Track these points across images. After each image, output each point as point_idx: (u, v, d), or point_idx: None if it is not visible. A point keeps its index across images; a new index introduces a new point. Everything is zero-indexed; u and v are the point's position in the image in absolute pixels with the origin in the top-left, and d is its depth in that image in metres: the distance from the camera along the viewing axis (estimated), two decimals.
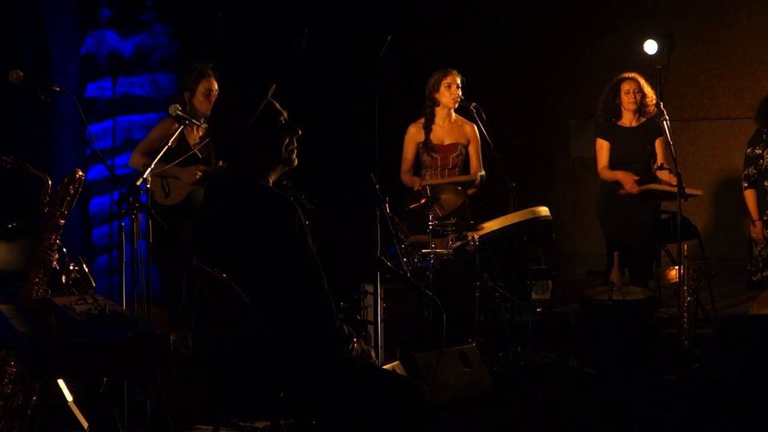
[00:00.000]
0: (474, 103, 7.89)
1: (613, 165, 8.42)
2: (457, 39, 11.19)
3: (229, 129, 4.32)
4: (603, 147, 8.50)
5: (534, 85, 11.80)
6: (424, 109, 8.21)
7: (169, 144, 6.38)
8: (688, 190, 7.72)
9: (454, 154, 8.17)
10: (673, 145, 7.71)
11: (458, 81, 8.08)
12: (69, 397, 5.19)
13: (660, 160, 8.37)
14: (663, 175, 8.30)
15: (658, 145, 8.40)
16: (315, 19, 9.37)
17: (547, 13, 11.68)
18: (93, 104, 8.43)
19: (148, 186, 5.88)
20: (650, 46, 10.96)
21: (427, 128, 8.17)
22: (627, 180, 8.24)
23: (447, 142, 8.18)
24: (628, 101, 8.37)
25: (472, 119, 7.96)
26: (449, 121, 8.22)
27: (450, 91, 8.06)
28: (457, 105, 8.12)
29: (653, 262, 9.06)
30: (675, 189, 7.86)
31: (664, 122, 7.71)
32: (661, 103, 8.17)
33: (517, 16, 11.60)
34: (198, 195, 7.48)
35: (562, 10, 11.70)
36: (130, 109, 8.61)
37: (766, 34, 11.00)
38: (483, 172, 8.18)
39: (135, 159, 7.39)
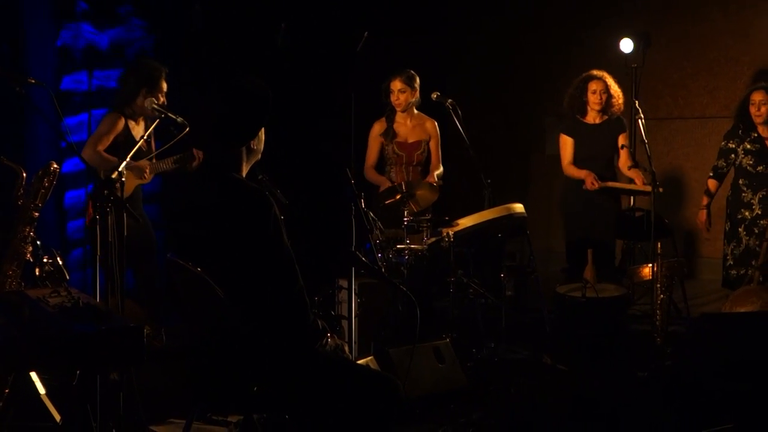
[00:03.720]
0: (450, 100, 7.91)
1: (576, 161, 8.49)
2: (435, 36, 11.20)
3: (211, 122, 4.33)
4: (567, 143, 8.57)
5: (510, 83, 11.83)
6: (385, 108, 8.32)
7: (145, 137, 6.38)
8: (644, 188, 7.85)
9: (418, 152, 8.29)
10: (648, 143, 7.74)
11: (399, 86, 8.20)
12: (42, 390, 5.18)
13: (622, 157, 8.46)
14: (632, 173, 8.38)
15: (620, 141, 8.48)
16: (293, 14, 9.37)
17: (524, 11, 11.71)
18: (69, 97, 8.40)
19: (124, 179, 5.87)
20: (626, 45, 10.99)
21: (390, 126, 8.27)
22: (588, 177, 8.30)
23: (411, 140, 8.30)
24: (594, 101, 8.44)
25: (448, 116, 7.97)
26: (411, 119, 8.32)
27: (393, 96, 8.23)
28: (402, 109, 8.26)
29: (614, 259, 9.11)
30: (633, 187, 7.97)
31: (639, 121, 7.75)
32: (637, 102, 8.22)
33: (494, 15, 11.62)
34: (138, 191, 7.51)
35: (539, 8, 11.73)
36: (105, 102, 8.56)
37: (741, 33, 11.04)
38: (441, 169, 8.27)
39: (89, 152, 7.29)
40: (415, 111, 8.33)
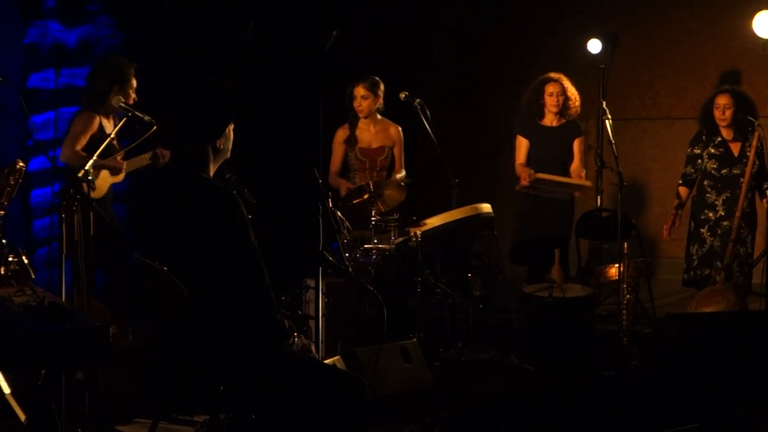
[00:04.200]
0: (418, 100, 7.93)
1: (531, 163, 8.55)
2: (403, 36, 11.21)
3: (177, 121, 4.32)
4: (522, 144, 8.66)
5: (478, 83, 11.85)
6: (349, 114, 8.35)
7: (112, 136, 6.36)
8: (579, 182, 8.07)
9: (382, 157, 8.34)
10: (615, 144, 7.77)
11: (362, 92, 8.23)
12: (6, 390, 5.14)
13: (576, 160, 8.52)
14: (573, 173, 8.45)
15: (575, 145, 8.55)
16: (261, 13, 9.35)
17: (492, 11, 11.72)
18: (35, 95, 8.35)
19: (90, 178, 5.85)
20: (594, 46, 11.03)
21: (353, 133, 8.29)
22: (523, 173, 8.38)
23: (374, 145, 8.34)
24: (550, 103, 8.52)
25: (416, 116, 7.97)
26: (374, 125, 8.35)
27: (356, 102, 8.26)
28: (364, 115, 8.29)
29: (567, 258, 9.16)
30: (567, 180, 8.06)
31: (606, 121, 7.78)
32: (604, 102, 8.24)
33: (461, 15, 11.63)
34: (110, 190, 7.53)
35: (507, 8, 11.75)
36: (72, 100, 8.52)
37: (708, 34, 11.11)
38: (404, 173, 8.32)
39: (68, 153, 7.28)
40: (379, 117, 8.35)
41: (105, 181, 7.39)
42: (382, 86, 8.25)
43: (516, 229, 8.86)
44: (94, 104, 7.31)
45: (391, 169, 8.37)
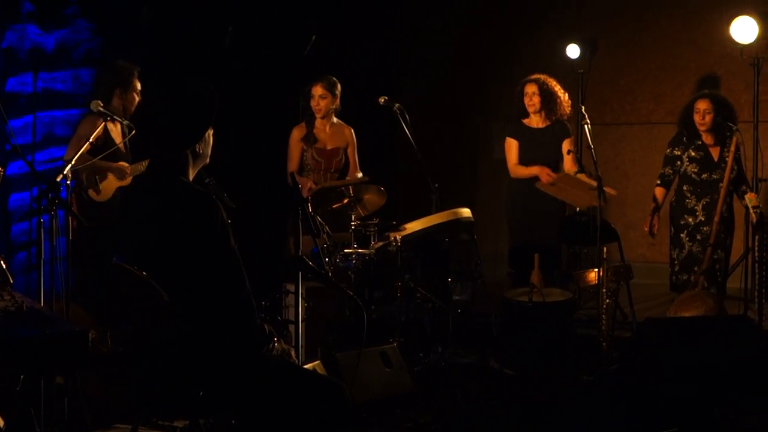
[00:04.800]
0: (397, 104, 7.94)
1: (521, 165, 8.56)
2: (382, 40, 11.21)
3: (156, 125, 4.31)
4: (512, 145, 8.68)
5: (457, 87, 11.86)
6: (305, 113, 8.38)
7: (91, 141, 6.37)
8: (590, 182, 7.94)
9: (337, 158, 8.36)
10: (594, 148, 7.79)
11: (320, 92, 8.22)
12: None
13: (567, 162, 8.52)
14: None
15: (565, 146, 8.56)
16: (240, 16, 9.35)
17: (471, 15, 11.74)
18: (13, 99, 8.32)
19: (68, 182, 5.84)
20: (573, 51, 11.07)
21: (310, 132, 8.29)
22: (542, 172, 8.37)
23: (329, 146, 8.35)
24: (528, 103, 8.60)
25: (395, 120, 7.97)
26: (330, 126, 8.35)
27: (314, 101, 8.26)
28: (321, 115, 8.28)
29: (559, 263, 9.17)
30: (587, 180, 8.06)
31: (585, 126, 7.79)
32: (583, 107, 8.26)
33: (442, 19, 11.64)
34: (117, 193, 7.60)
35: (487, 13, 11.77)
36: (51, 104, 8.50)
37: (686, 40, 11.16)
38: (360, 174, 8.32)
39: (71, 154, 7.30)
40: (335, 119, 8.35)
41: (111, 184, 7.52)
42: (339, 87, 8.25)
43: (512, 235, 8.86)
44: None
45: (345, 171, 8.38)
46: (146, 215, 4.28)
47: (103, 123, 7.15)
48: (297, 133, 8.35)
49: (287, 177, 8.23)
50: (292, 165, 8.33)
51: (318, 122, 8.31)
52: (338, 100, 8.29)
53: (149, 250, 4.21)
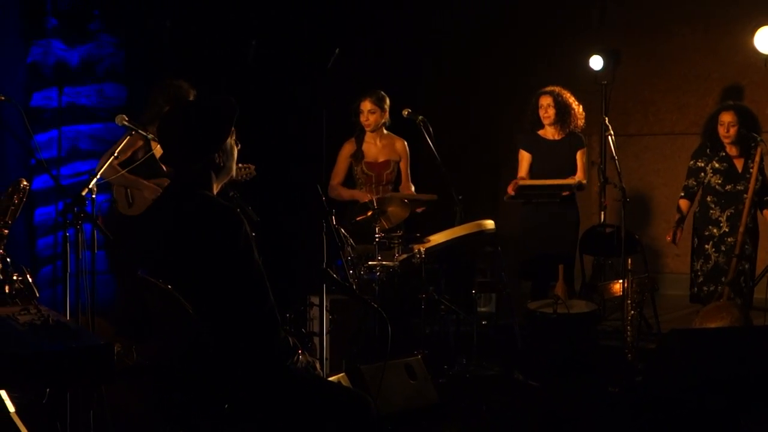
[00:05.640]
0: (421, 117, 7.93)
1: (536, 177, 8.59)
2: (405, 53, 11.21)
3: (173, 135, 4.31)
4: (524, 158, 8.74)
5: (481, 99, 11.85)
6: (355, 128, 8.37)
7: (115, 155, 6.40)
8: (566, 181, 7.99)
9: (387, 171, 8.35)
10: (617, 159, 7.77)
11: (368, 107, 8.24)
12: (11, 408, 5.14)
13: (579, 171, 8.52)
14: None
15: (578, 157, 8.56)
16: (263, 30, 9.37)
17: (494, 26, 11.73)
18: (38, 114, 8.37)
19: (93, 196, 5.87)
20: (596, 62, 11.05)
21: (359, 147, 8.30)
22: (510, 185, 8.48)
23: (380, 159, 8.35)
24: (542, 115, 8.60)
25: (419, 132, 7.98)
26: (380, 139, 8.36)
27: (363, 116, 8.27)
28: (371, 129, 8.31)
29: (573, 273, 9.16)
30: (553, 182, 8.06)
31: (609, 137, 7.78)
32: (606, 119, 8.25)
33: (464, 30, 11.64)
34: None
35: (509, 24, 11.76)
36: (75, 118, 8.55)
37: (709, 50, 11.13)
38: (412, 189, 8.35)
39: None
40: (385, 131, 8.36)
41: (145, 200, 7.46)
42: (387, 101, 8.26)
43: (521, 245, 8.85)
44: (146, 124, 7.29)
45: (397, 184, 8.38)
46: (169, 229, 4.29)
47: (144, 139, 7.16)
48: (347, 148, 8.38)
49: (329, 188, 8.25)
50: (337, 178, 8.37)
51: (368, 136, 8.34)
52: (387, 114, 8.29)
53: (173, 263, 4.22)
